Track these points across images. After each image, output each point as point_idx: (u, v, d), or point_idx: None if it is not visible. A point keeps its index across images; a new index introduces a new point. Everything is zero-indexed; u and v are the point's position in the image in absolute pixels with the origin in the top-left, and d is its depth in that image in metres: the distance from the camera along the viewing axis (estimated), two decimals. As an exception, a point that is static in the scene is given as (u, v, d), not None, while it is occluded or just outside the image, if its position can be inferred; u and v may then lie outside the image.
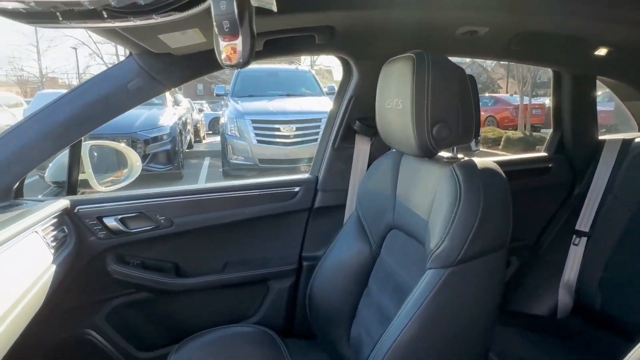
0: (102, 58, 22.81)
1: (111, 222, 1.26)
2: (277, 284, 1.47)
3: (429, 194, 0.94)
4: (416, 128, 0.90)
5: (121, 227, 1.27)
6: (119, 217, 1.27)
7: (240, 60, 0.70)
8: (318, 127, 5.71)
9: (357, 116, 1.45)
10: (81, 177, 1.32)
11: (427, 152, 0.93)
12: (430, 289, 0.83)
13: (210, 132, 12.10)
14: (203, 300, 1.44)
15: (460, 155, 0.98)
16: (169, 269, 1.39)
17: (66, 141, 1.15)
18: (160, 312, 1.41)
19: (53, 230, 1.07)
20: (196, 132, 9.74)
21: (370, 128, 1.44)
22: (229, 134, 5.77)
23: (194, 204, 1.35)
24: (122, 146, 1.56)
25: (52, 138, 1.11)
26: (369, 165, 1.44)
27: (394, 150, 1.14)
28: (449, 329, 0.87)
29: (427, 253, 0.88)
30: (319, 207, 1.49)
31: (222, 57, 0.71)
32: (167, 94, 6.38)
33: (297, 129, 5.68)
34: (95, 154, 1.42)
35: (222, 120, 6.38)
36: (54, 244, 1.05)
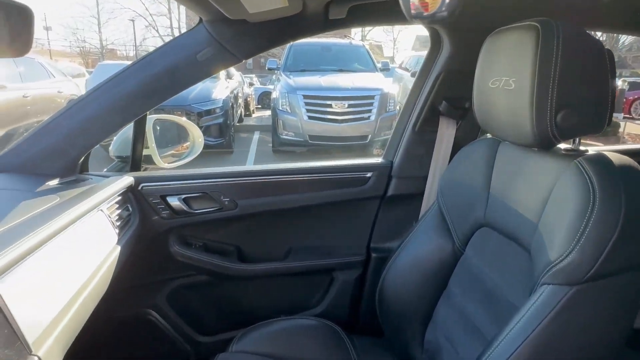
0: (157, 30, 23.48)
1: (174, 202, 1.20)
2: (342, 275, 1.38)
3: (540, 193, 0.78)
4: (535, 113, 0.74)
5: (184, 207, 1.21)
6: (183, 196, 1.21)
7: (444, 10, 0.52)
8: (371, 104, 5.56)
9: (444, 96, 1.29)
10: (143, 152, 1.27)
11: (546, 143, 0.76)
12: (549, 309, 0.69)
13: (260, 106, 12.17)
14: (264, 287, 1.38)
15: (582, 148, 0.81)
16: (231, 253, 1.33)
17: (132, 115, 1.09)
18: (220, 296, 1.37)
19: (118, 209, 1.04)
20: (246, 105, 9.81)
21: (458, 110, 1.28)
22: (280, 109, 5.70)
23: (259, 186, 1.26)
24: (184, 120, 1.51)
25: (118, 111, 1.06)
26: (452, 152, 1.29)
27: (488, 136, 0.98)
28: (568, 356, 0.73)
29: (540, 264, 0.73)
30: (392, 195, 1.36)
31: (414, 5, 0.54)
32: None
33: (349, 105, 5.52)
34: (158, 128, 1.38)
35: (273, 95, 6.31)
36: (118, 223, 1.01)
